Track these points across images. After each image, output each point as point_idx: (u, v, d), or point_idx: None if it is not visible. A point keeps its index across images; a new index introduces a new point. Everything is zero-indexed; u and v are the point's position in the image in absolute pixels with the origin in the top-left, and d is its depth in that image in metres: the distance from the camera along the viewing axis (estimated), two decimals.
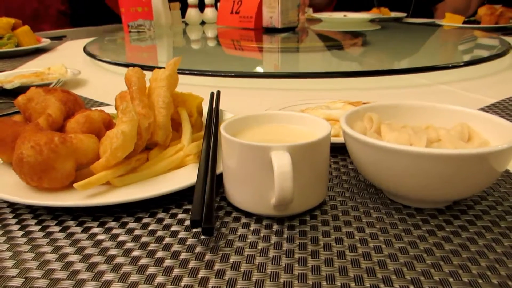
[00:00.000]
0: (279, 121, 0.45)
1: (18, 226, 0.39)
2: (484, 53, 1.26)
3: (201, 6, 1.95)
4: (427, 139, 0.42)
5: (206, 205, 0.36)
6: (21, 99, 0.50)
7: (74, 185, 0.39)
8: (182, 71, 0.88)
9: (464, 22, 1.77)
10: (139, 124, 0.45)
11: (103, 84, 0.99)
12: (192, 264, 0.33)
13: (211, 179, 0.40)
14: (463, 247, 0.35)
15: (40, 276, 0.32)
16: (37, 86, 0.84)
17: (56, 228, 0.39)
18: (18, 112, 0.71)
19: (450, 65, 0.93)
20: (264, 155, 0.36)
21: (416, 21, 2.09)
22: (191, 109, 0.56)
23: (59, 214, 0.41)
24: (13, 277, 0.32)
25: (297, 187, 0.36)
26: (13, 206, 0.42)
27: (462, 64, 0.95)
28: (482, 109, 0.72)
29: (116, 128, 0.42)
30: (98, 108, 0.59)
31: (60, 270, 0.33)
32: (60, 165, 0.40)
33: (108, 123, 0.48)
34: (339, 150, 0.54)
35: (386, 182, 0.40)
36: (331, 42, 1.50)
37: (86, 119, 0.45)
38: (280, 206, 0.37)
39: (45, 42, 1.53)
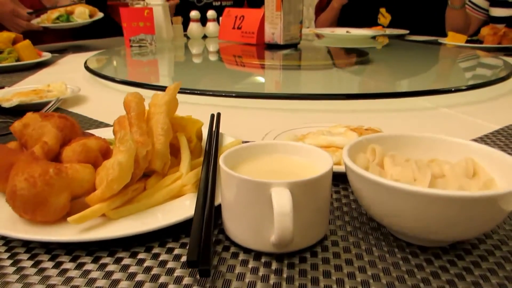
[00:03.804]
0: (280, 151, 0.44)
1: (11, 261, 0.38)
2: (488, 74, 1.26)
3: (203, 20, 1.95)
4: (431, 174, 0.41)
5: (203, 243, 0.35)
6: (17, 125, 0.49)
7: (68, 219, 0.38)
8: (183, 90, 0.88)
9: (467, 42, 1.77)
10: (137, 153, 0.44)
11: (103, 101, 0.99)
12: None
13: (209, 213, 0.39)
14: None
15: None
16: (36, 104, 0.85)
17: (49, 264, 0.38)
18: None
19: (452, 89, 0.92)
20: (264, 192, 0.35)
21: (418, 38, 2.09)
22: (190, 134, 0.55)
23: (53, 247, 0.40)
24: None
25: (298, 225, 0.35)
26: (6, 239, 0.41)
27: (465, 88, 0.94)
28: (486, 136, 0.71)
29: (112, 158, 0.41)
30: (96, 134, 0.58)
31: None
32: (55, 198, 0.39)
33: (106, 151, 0.47)
34: (340, 179, 0.53)
35: (388, 219, 0.39)
36: (333, 61, 1.49)
37: (83, 148, 0.44)
38: (280, 246, 0.36)
39: (46, 56, 1.53)
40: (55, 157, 0.46)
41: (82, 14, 1.85)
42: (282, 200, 0.34)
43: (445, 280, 0.35)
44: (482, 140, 0.69)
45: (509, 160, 0.40)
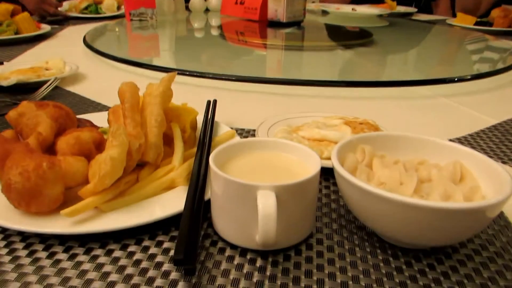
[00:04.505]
0: (270, 148, 0.45)
1: (6, 250, 0.39)
2: (493, 60, 1.24)
3: None
4: (418, 178, 0.42)
5: (190, 242, 0.36)
6: (12, 114, 0.50)
7: (61, 212, 0.39)
8: (182, 72, 0.88)
9: (476, 23, 1.73)
10: (130, 145, 0.44)
11: (101, 80, 0.99)
12: None
13: (198, 210, 0.40)
14: None
15: None
16: (33, 83, 0.85)
17: (43, 254, 0.39)
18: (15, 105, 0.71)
19: (455, 79, 0.92)
20: (250, 194, 0.36)
21: (425, 18, 2.06)
22: (184, 124, 0.55)
23: (47, 237, 0.41)
24: None
25: (283, 227, 0.36)
26: (2, 228, 0.43)
27: (469, 77, 0.94)
28: (482, 131, 0.71)
29: (105, 153, 0.42)
30: (92, 120, 0.59)
31: None
32: (48, 191, 0.40)
33: (99, 142, 0.47)
34: (332, 173, 0.53)
35: (371, 223, 0.40)
36: (336, 42, 1.47)
37: (76, 140, 0.45)
38: (264, 246, 0.37)
39: (45, 28, 1.51)
40: (50, 147, 0.47)
41: (111, 7, 1.87)
42: (267, 203, 0.34)
43: (422, 284, 0.36)
44: (478, 135, 0.70)
45: (497, 168, 0.40)
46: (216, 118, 0.62)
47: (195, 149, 0.53)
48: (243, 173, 0.41)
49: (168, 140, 0.53)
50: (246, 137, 0.65)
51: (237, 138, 0.58)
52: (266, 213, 0.34)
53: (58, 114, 0.49)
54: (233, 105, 0.79)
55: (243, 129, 0.67)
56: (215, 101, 0.66)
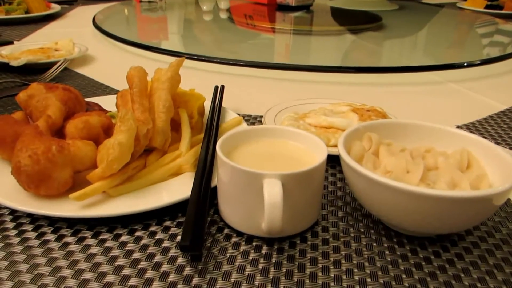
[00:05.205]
0: (277, 136, 0.45)
1: (16, 231, 0.40)
2: (504, 44, 1.22)
3: None
4: (425, 166, 0.41)
5: (197, 229, 0.36)
6: (22, 95, 0.50)
7: (70, 196, 0.40)
8: (190, 57, 0.88)
9: (486, 7, 1.70)
10: (138, 131, 0.45)
11: (110, 62, 0.99)
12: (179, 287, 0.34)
13: (204, 197, 0.41)
14: (447, 285, 0.35)
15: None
16: (43, 64, 0.85)
17: (52, 237, 0.40)
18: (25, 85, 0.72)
19: (465, 64, 0.90)
20: (257, 182, 0.36)
21: (435, 1, 2.02)
22: (192, 110, 0.55)
23: (56, 220, 0.42)
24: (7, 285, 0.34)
25: (289, 215, 0.37)
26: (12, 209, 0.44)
27: (478, 62, 0.92)
28: (491, 117, 0.71)
29: (113, 137, 0.42)
30: (100, 103, 0.59)
31: (52, 286, 0.34)
32: (57, 174, 0.41)
33: (107, 127, 0.48)
34: (338, 161, 0.53)
35: (377, 211, 0.40)
36: (345, 26, 1.45)
37: (85, 125, 0.45)
38: (270, 234, 0.37)
39: (55, 8, 1.52)
40: (59, 130, 0.48)
41: None
42: (273, 192, 0.35)
43: (427, 272, 0.36)
44: (486, 121, 0.69)
45: (504, 155, 0.40)
46: (223, 104, 0.62)
47: (202, 135, 0.53)
48: (250, 161, 0.41)
49: (175, 125, 0.53)
50: (253, 123, 0.65)
51: (244, 125, 0.58)
52: (272, 202, 0.34)
53: (67, 97, 0.50)
54: (240, 90, 0.79)
55: (250, 115, 0.67)
56: (222, 87, 0.66)
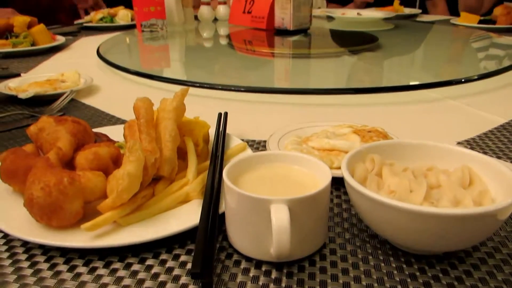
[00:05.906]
0: (281, 161, 0.46)
1: (28, 263, 0.41)
2: (499, 58, 1.24)
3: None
4: (428, 185, 0.42)
5: (207, 256, 0.37)
6: (32, 129, 0.51)
7: (82, 227, 0.41)
8: (192, 84, 0.90)
9: (480, 22, 1.74)
10: (146, 160, 0.46)
11: (115, 92, 1.01)
12: None
13: (213, 224, 0.41)
14: None
15: None
16: (50, 95, 0.88)
17: (64, 267, 0.40)
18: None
19: (463, 80, 0.92)
20: (263, 207, 0.37)
21: (429, 19, 2.06)
22: (197, 138, 0.57)
23: (68, 251, 0.43)
24: None
25: (297, 239, 0.37)
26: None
27: (476, 78, 0.94)
28: (491, 132, 0.72)
29: (122, 168, 0.43)
30: (108, 133, 0.61)
31: None
32: (68, 205, 0.42)
33: (116, 158, 0.49)
34: (342, 183, 0.54)
35: (383, 231, 0.41)
36: (343, 48, 1.48)
37: (94, 156, 0.46)
38: (278, 258, 0.38)
39: (60, 40, 1.55)
40: (69, 162, 0.49)
41: (125, 17, 2.01)
42: (280, 217, 0.35)
43: None
44: (487, 136, 0.70)
45: (504, 170, 0.41)
46: (227, 130, 0.63)
47: (208, 162, 0.54)
48: (256, 187, 0.42)
49: (182, 153, 0.54)
50: (258, 148, 0.66)
51: (249, 151, 0.59)
52: (279, 226, 0.35)
53: (76, 130, 0.51)
54: (243, 116, 0.80)
55: (253, 141, 0.68)
56: (226, 114, 0.68)
